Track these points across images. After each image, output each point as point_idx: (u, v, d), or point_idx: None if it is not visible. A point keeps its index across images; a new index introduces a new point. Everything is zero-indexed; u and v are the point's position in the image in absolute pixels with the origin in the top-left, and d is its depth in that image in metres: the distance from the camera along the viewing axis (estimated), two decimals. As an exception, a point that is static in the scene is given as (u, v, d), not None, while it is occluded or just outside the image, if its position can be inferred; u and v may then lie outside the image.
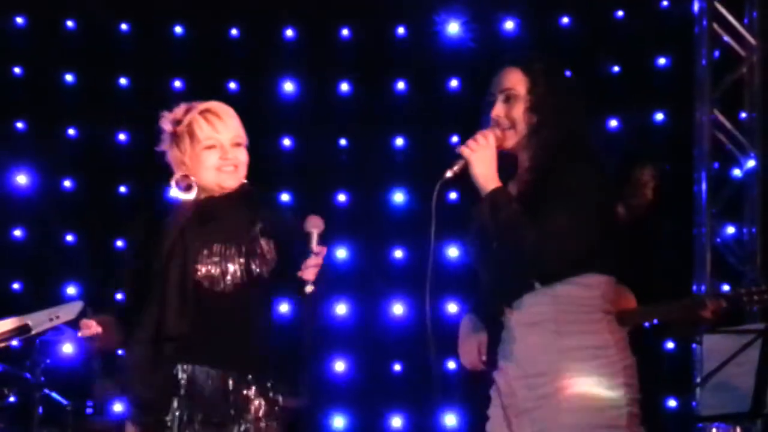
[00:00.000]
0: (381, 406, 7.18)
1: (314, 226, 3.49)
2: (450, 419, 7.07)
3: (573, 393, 3.40)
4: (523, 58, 3.61)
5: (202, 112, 3.73)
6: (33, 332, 4.20)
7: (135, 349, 3.66)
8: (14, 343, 4.32)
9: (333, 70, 7.59)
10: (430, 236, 3.43)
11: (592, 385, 3.40)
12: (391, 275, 7.28)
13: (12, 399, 5.44)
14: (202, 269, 3.65)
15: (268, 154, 7.22)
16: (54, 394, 5.56)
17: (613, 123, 7.28)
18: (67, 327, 4.34)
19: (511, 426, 3.49)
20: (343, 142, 7.54)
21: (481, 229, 3.53)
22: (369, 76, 7.56)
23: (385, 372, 7.22)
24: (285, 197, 7.21)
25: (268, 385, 3.66)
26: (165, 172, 3.85)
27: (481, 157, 3.47)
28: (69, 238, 7.48)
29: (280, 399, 3.68)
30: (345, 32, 7.57)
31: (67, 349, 6.20)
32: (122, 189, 7.53)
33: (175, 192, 3.76)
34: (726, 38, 6.97)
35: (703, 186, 6.88)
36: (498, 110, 3.55)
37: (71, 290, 7.29)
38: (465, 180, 3.49)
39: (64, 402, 5.64)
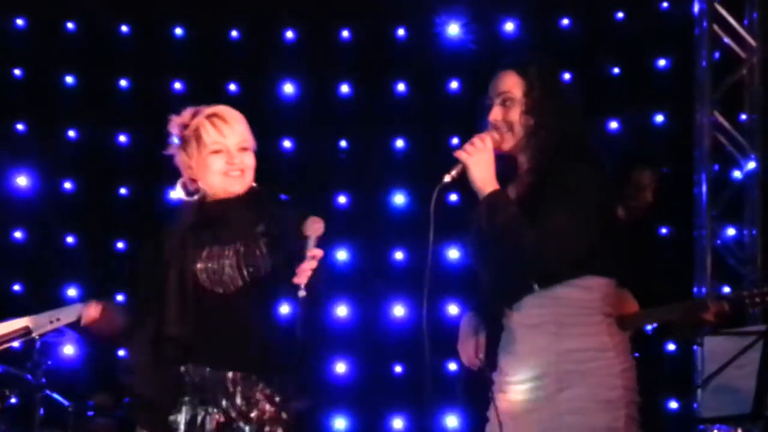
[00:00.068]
0: (382, 408, 7.18)
1: (313, 230, 3.49)
2: (451, 421, 7.07)
3: (571, 395, 3.40)
4: (519, 61, 3.62)
5: (208, 117, 3.74)
6: (34, 334, 4.21)
7: (137, 350, 3.68)
8: (15, 344, 4.32)
9: (333, 72, 7.59)
10: (429, 241, 3.43)
11: (591, 388, 3.41)
12: (392, 277, 7.28)
13: (13, 400, 5.44)
14: (202, 271, 3.65)
15: (269, 155, 7.20)
16: (55, 396, 5.57)
17: (614, 124, 7.28)
18: (68, 329, 4.34)
19: (503, 428, 3.50)
20: (343, 143, 7.54)
21: (480, 232, 3.54)
22: (369, 77, 7.56)
23: (385, 373, 7.22)
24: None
25: (273, 386, 3.66)
26: (165, 174, 3.86)
27: (478, 161, 3.48)
28: (69, 239, 7.48)
29: (285, 401, 3.67)
30: (345, 33, 7.57)
31: (68, 350, 6.21)
32: (122, 190, 7.53)
33: (180, 194, 3.77)
34: (726, 40, 6.96)
35: (704, 188, 6.88)
36: (495, 113, 3.57)
37: (72, 292, 7.29)
38: (465, 183, 3.51)
39: (66, 403, 5.65)
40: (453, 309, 7.02)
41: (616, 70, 7.37)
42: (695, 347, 6.29)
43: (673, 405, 6.91)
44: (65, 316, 4.14)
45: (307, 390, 3.71)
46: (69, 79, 7.59)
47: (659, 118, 7.31)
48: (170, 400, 3.62)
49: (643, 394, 3.51)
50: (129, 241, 7.35)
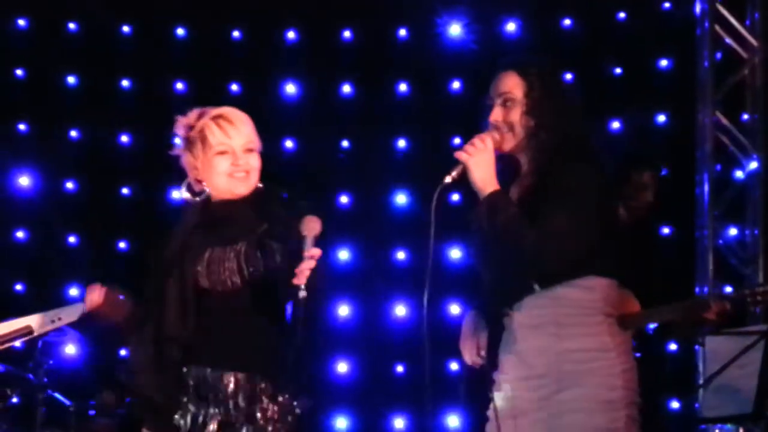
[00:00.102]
0: (383, 407, 7.18)
1: (310, 229, 3.47)
2: (452, 420, 7.07)
3: (571, 395, 3.41)
4: (519, 61, 3.63)
5: (214, 118, 3.74)
6: (35, 334, 4.21)
7: (138, 350, 3.68)
8: (17, 344, 4.32)
9: (335, 72, 7.59)
10: (430, 243, 3.43)
11: (591, 388, 3.41)
12: (393, 276, 7.28)
13: (15, 400, 5.45)
14: (203, 272, 3.65)
15: (270, 155, 7.20)
16: (57, 395, 5.57)
17: (615, 124, 7.28)
18: (70, 328, 4.35)
19: (502, 428, 3.50)
20: (345, 143, 7.54)
21: (481, 232, 3.54)
22: (371, 77, 7.57)
23: (387, 373, 7.22)
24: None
25: (276, 386, 3.65)
26: (167, 174, 3.87)
27: (478, 162, 3.49)
28: (71, 239, 7.48)
29: (288, 401, 3.67)
30: (347, 34, 7.57)
31: (70, 350, 6.21)
32: (124, 190, 7.53)
33: (186, 195, 3.78)
34: (728, 40, 6.96)
35: (705, 188, 6.87)
36: (496, 114, 3.57)
37: (73, 291, 7.29)
38: (466, 183, 3.51)
39: (67, 403, 5.65)
40: (455, 309, 7.03)
41: (618, 71, 7.36)
42: (697, 347, 6.28)
43: (675, 405, 6.90)
44: (67, 315, 4.14)
45: (309, 390, 3.71)
46: (71, 80, 7.59)
47: (661, 118, 7.31)
48: (172, 400, 3.63)
49: (644, 394, 3.52)
50: (131, 241, 7.36)
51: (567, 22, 7.44)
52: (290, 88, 7.56)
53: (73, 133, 7.56)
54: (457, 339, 3.84)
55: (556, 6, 7.44)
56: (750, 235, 6.89)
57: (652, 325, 5.18)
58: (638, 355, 3.64)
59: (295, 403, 3.67)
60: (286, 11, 7.51)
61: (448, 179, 3.51)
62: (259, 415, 3.64)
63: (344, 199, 7.48)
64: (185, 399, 3.63)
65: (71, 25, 7.60)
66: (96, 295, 3.85)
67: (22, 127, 7.55)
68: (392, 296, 7.25)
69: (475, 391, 3.90)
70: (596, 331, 3.46)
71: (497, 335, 3.58)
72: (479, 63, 7.13)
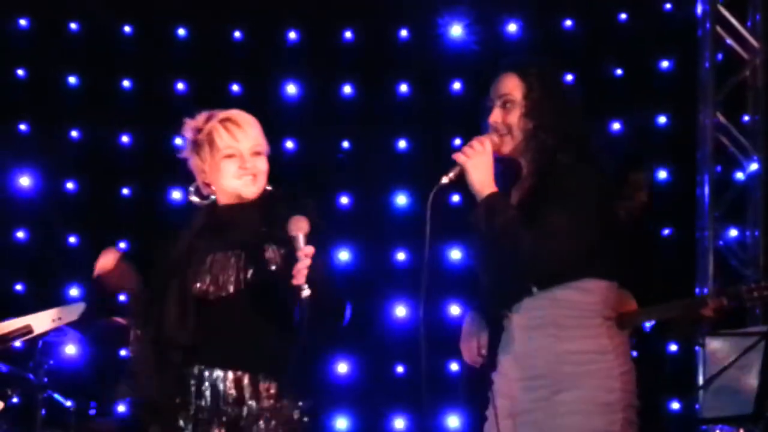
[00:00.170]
0: (383, 408, 7.18)
1: (298, 228, 3.45)
2: (452, 421, 7.07)
3: (569, 397, 3.41)
4: (519, 63, 3.62)
5: (222, 121, 3.74)
6: (36, 333, 4.22)
7: (139, 350, 3.68)
8: (17, 344, 4.33)
9: (336, 73, 7.59)
10: (426, 242, 3.43)
11: (589, 390, 3.41)
12: (394, 277, 7.28)
13: (15, 400, 5.44)
14: (203, 277, 3.65)
15: (271, 156, 7.20)
16: (57, 395, 5.56)
17: (616, 125, 7.28)
18: (70, 328, 4.35)
19: (501, 428, 3.50)
20: (345, 144, 7.54)
21: (478, 234, 3.54)
22: (372, 78, 7.56)
23: (387, 373, 7.22)
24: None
25: (279, 386, 3.65)
26: (166, 174, 3.87)
27: (476, 164, 3.49)
28: (72, 239, 7.48)
29: (292, 402, 3.66)
30: (348, 34, 7.57)
31: (70, 350, 6.21)
32: (125, 191, 7.53)
33: (192, 199, 3.78)
34: (729, 41, 6.96)
35: (706, 189, 6.87)
36: (495, 116, 3.57)
37: (74, 292, 7.29)
38: (465, 184, 3.51)
39: (67, 403, 5.64)
40: (454, 309, 7.03)
41: (619, 71, 7.36)
42: (697, 348, 6.29)
43: (675, 405, 6.91)
44: (67, 315, 4.14)
45: (312, 390, 3.71)
46: (72, 80, 7.60)
47: (662, 119, 7.31)
48: (177, 402, 3.63)
49: (644, 395, 3.51)
50: (131, 241, 7.35)
51: (568, 22, 7.44)
52: (291, 89, 7.56)
53: (74, 133, 7.57)
54: (457, 339, 3.85)
55: (557, 7, 7.44)
56: (750, 236, 6.89)
57: (650, 324, 5.19)
58: (635, 354, 3.64)
59: (299, 404, 3.67)
60: (286, 11, 7.51)
61: (444, 180, 3.51)
62: (262, 415, 3.63)
63: (344, 200, 7.47)
64: (188, 400, 3.63)
65: (72, 25, 7.60)
66: (109, 258, 3.82)
67: (22, 127, 7.55)
68: (392, 297, 7.25)
69: (475, 390, 3.90)
70: (595, 333, 3.46)
71: (496, 336, 3.58)
72: (480, 64, 7.13)
